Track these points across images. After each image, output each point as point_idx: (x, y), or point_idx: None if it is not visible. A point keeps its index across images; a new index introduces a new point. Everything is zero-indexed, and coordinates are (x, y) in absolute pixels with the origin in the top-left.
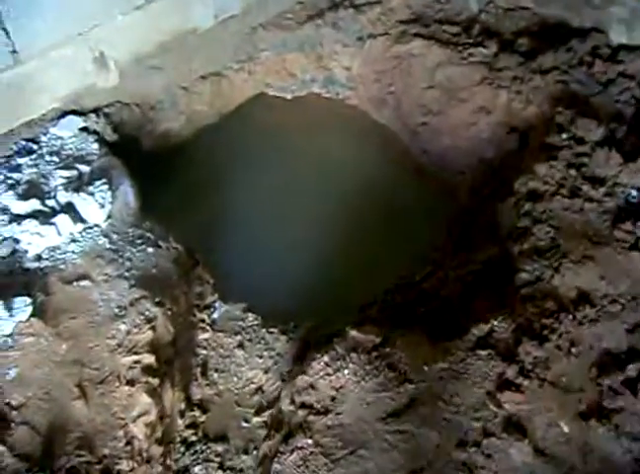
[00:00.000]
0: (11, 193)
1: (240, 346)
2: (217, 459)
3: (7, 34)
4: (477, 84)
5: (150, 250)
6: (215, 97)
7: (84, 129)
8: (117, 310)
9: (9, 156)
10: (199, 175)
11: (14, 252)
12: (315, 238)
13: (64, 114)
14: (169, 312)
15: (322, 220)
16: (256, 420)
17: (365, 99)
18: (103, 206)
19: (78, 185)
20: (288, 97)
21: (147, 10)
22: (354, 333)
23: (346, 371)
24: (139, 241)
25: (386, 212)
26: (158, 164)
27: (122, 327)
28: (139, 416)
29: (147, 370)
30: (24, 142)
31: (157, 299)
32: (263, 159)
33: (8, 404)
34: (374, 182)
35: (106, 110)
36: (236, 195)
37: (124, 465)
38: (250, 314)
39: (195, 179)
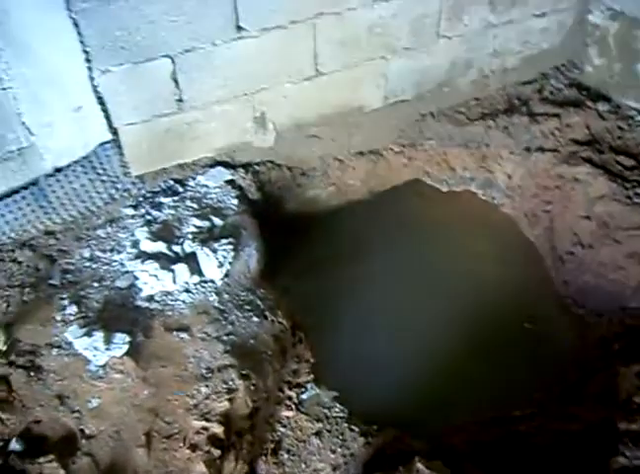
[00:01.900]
0: (145, 229)
1: (318, 434)
2: None
3: (177, 84)
4: (637, 228)
5: (255, 319)
6: (369, 174)
7: (230, 182)
8: (204, 371)
9: (155, 192)
10: (330, 248)
11: (131, 286)
12: (425, 341)
13: (215, 164)
14: (252, 387)
15: (437, 324)
16: None
17: (520, 210)
18: (222, 265)
19: (207, 237)
20: (443, 189)
21: (316, 82)
22: (421, 467)
23: None
24: (248, 307)
25: (507, 333)
26: (294, 229)
27: (203, 390)
28: None
29: (212, 440)
30: (172, 182)
31: (244, 372)
32: (399, 245)
33: (82, 431)
34: (504, 297)
35: (256, 167)
36: (360, 277)
37: None
38: (338, 405)
39: (325, 252)
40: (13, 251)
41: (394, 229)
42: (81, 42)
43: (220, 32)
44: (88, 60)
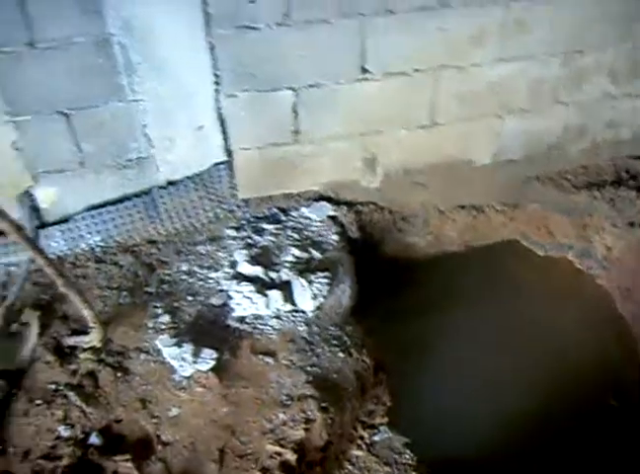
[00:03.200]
0: (245, 252)
1: None
2: None
3: (296, 116)
4: None
5: (340, 355)
6: (468, 229)
7: (332, 218)
8: (284, 397)
9: (258, 218)
10: (421, 296)
11: (224, 305)
12: (504, 402)
13: (320, 198)
14: (330, 420)
15: (516, 386)
16: None
17: (615, 284)
18: (316, 297)
19: (304, 268)
20: (540, 253)
21: (430, 131)
22: None
23: None
24: (335, 342)
25: (590, 408)
26: (388, 272)
27: (281, 416)
28: None
29: (284, 466)
30: (276, 210)
31: (324, 404)
32: (488, 302)
33: (158, 437)
34: (589, 371)
35: (359, 207)
36: (446, 328)
37: None
38: (409, 452)
39: (416, 298)
40: (116, 254)
41: (486, 286)
42: (213, 66)
43: (345, 71)
44: (217, 83)
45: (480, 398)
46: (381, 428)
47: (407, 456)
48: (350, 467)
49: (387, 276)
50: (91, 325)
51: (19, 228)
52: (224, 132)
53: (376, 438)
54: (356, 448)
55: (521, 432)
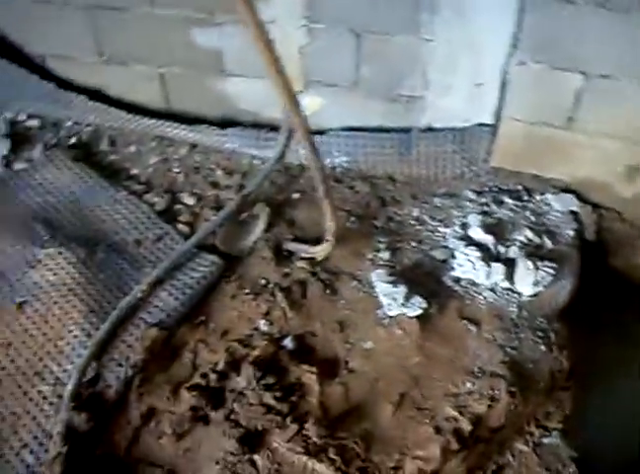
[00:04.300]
0: (480, 217)
1: None
2: None
3: (577, 102)
4: None
5: (542, 348)
6: None
7: (573, 213)
8: (476, 369)
9: (502, 189)
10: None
11: (445, 261)
12: None
13: (567, 190)
14: (512, 406)
15: None
16: None
17: None
18: (537, 284)
19: (532, 252)
20: None
21: None
22: None
23: None
24: (540, 333)
25: None
26: (611, 286)
27: (469, 385)
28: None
29: (457, 433)
30: (520, 187)
31: (513, 389)
32: None
33: (346, 363)
34: None
35: (603, 211)
36: None
37: None
38: (574, 466)
39: (634, 320)
40: (354, 179)
41: None
42: (515, 28)
43: None
44: (513, 46)
45: None
46: (554, 432)
47: (570, 470)
48: (510, 458)
49: (609, 289)
50: (328, 238)
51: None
52: (501, 97)
53: (545, 441)
54: (522, 443)
55: None
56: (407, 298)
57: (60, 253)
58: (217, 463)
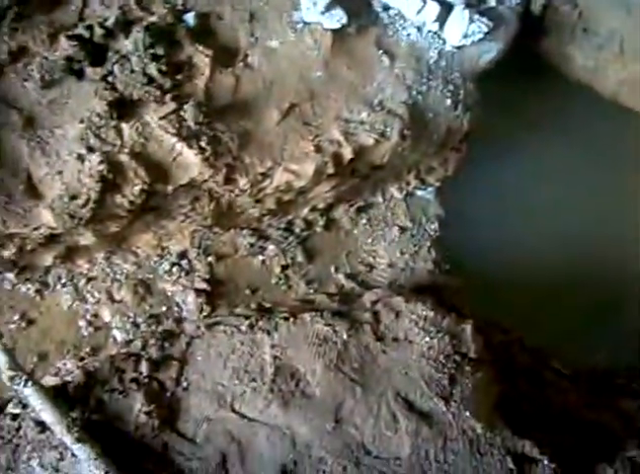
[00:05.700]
0: None
1: None
2: None
3: None
4: None
5: (448, 102)
6: None
7: None
8: (376, 102)
9: None
10: None
11: None
12: None
13: None
14: (399, 149)
15: None
16: None
17: None
18: (465, 37)
19: (474, 3)
20: None
21: None
22: None
23: None
24: (450, 87)
25: None
26: None
27: (363, 115)
28: None
29: (336, 159)
30: None
31: (406, 132)
32: None
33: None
34: None
35: None
36: None
37: None
38: None
39: None
40: None
41: None
42: None
43: None
44: None
45: None
46: (430, 188)
47: (432, 227)
48: (380, 199)
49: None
50: None
51: None
52: None
53: (419, 193)
54: (396, 189)
55: None
56: (328, 8)
57: None
58: (82, 122)
